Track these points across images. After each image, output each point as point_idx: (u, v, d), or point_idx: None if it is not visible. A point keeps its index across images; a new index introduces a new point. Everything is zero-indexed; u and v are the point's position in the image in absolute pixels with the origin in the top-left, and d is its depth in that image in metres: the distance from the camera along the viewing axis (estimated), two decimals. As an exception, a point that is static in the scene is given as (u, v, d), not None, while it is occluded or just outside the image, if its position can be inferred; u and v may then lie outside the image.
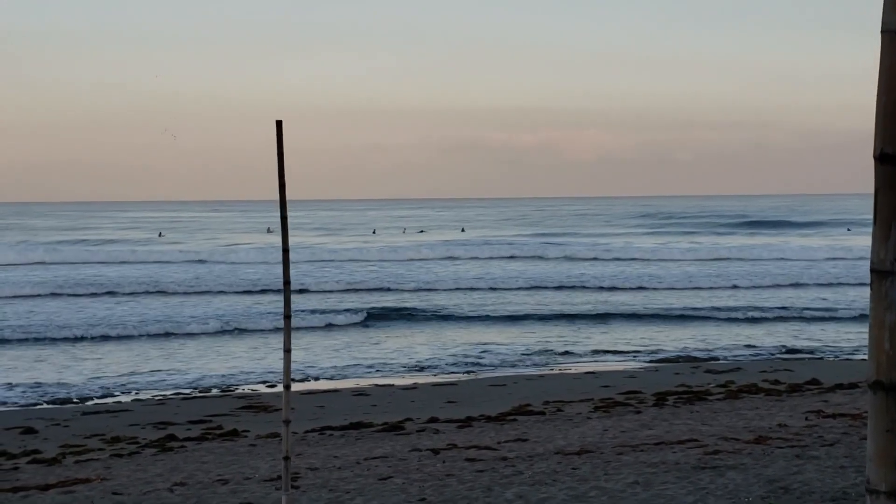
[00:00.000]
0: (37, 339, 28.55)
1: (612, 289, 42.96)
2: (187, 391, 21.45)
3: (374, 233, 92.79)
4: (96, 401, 20.48)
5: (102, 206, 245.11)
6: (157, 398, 20.57)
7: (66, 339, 28.63)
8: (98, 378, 22.94)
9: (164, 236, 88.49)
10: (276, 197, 6.96)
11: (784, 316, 33.79)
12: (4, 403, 20.22)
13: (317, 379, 22.84)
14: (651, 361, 24.86)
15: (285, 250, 7.08)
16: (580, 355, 26.17)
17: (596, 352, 26.69)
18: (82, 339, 28.73)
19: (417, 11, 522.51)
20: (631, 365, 24.42)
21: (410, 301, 38.28)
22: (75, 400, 20.59)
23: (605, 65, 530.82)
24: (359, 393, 20.41)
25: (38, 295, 39.96)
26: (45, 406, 19.95)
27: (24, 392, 21.22)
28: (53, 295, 39.98)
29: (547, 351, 26.71)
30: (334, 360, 25.50)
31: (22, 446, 15.34)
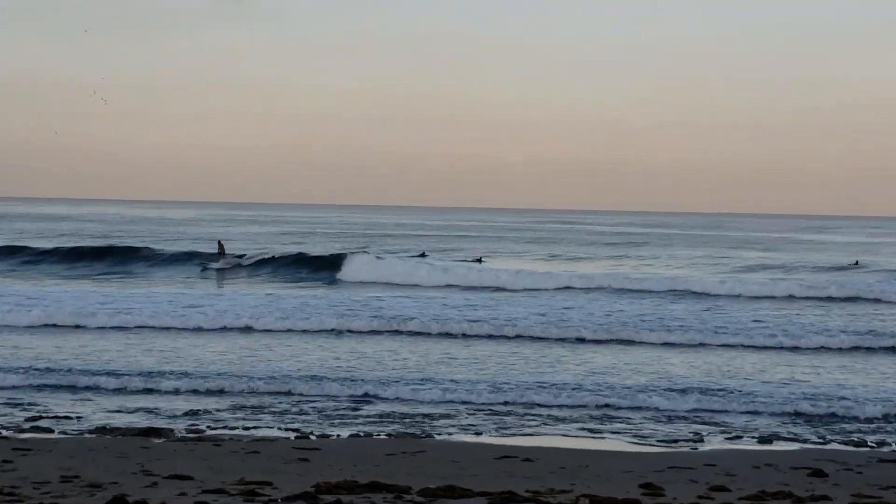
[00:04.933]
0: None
1: None
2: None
3: None
4: (894, 446, 18.05)
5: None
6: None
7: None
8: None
9: (858, 265, 79.87)
10: None
11: None
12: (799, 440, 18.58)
13: None
14: None
15: None
16: None
17: None
18: None
19: None
20: None
21: None
22: (871, 444, 18.34)
23: None
24: None
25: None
26: (836, 447, 17.97)
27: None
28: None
29: None
30: None
31: (810, 490, 13.53)
